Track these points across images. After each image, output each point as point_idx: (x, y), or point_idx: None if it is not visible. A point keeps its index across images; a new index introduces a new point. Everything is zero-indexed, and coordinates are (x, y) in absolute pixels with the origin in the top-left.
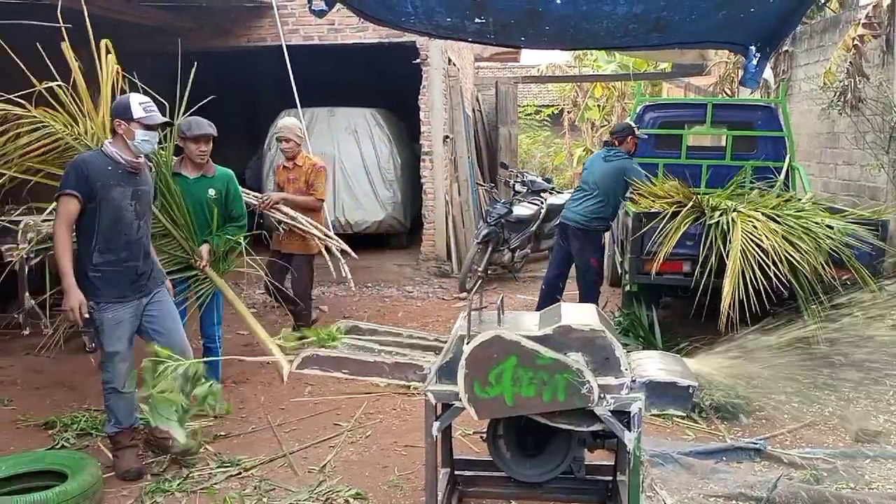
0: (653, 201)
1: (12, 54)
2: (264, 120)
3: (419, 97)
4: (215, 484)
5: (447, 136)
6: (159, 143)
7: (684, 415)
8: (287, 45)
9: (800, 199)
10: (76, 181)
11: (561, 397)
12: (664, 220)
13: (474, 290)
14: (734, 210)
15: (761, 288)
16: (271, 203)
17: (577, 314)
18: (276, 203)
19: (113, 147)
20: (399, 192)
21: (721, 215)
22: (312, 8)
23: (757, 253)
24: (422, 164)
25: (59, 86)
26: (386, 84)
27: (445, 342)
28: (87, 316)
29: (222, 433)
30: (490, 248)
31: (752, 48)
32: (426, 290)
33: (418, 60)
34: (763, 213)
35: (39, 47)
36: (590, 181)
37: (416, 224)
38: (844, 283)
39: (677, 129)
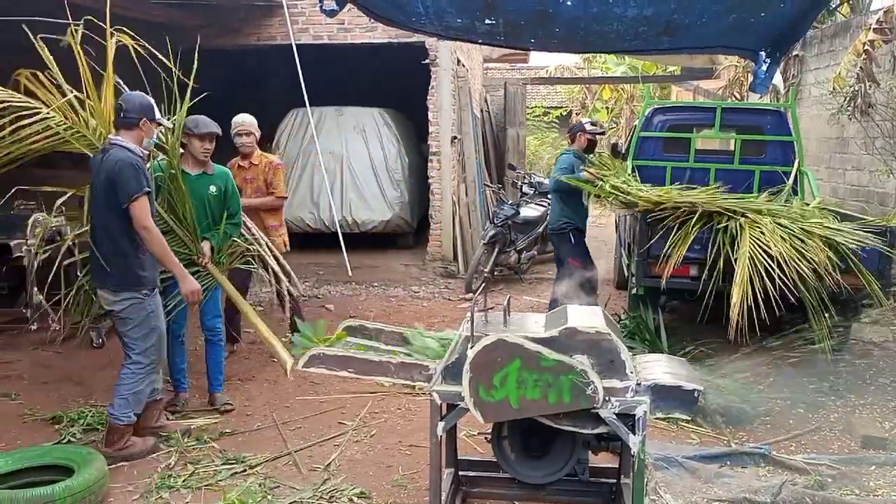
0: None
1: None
2: (273, 119)
3: (428, 97)
4: (220, 481)
5: (455, 137)
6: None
7: (689, 418)
8: (297, 45)
9: (808, 205)
10: (145, 180)
11: (566, 399)
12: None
13: (480, 290)
14: (742, 215)
15: (769, 295)
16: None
17: (583, 316)
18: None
19: (130, 143)
20: (406, 192)
21: (729, 220)
22: (323, 7)
23: (765, 259)
24: (429, 164)
25: (38, 73)
26: (395, 84)
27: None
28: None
29: (228, 430)
30: (497, 250)
31: (762, 53)
32: (432, 290)
33: (427, 61)
34: (771, 219)
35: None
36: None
37: (423, 224)
38: (852, 289)
39: (686, 133)
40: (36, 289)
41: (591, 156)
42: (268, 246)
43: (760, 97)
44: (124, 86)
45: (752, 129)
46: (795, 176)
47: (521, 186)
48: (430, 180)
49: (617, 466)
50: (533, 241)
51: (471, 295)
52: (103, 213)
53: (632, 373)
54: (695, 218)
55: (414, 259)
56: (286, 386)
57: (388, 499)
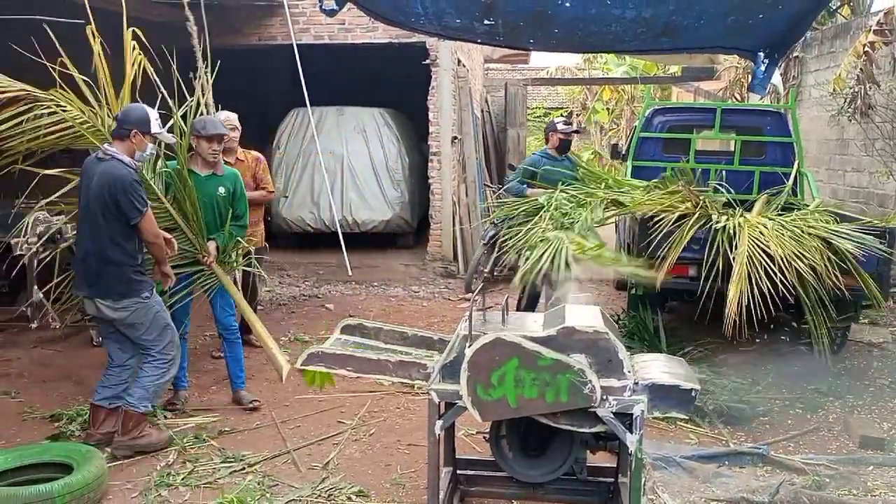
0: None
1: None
2: (273, 119)
3: (428, 98)
4: (219, 479)
5: (455, 137)
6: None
7: (687, 418)
8: (297, 44)
9: (807, 205)
10: (146, 195)
11: (564, 398)
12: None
13: (479, 290)
14: (741, 215)
15: (767, 294)
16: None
17: (582, 316)
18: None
19: (124, 155)
20: (407, 192)
21: (728, 220)
22: (323, 7)
23: (763, 259)
24: (430, 164)
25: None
26: (395, 84)
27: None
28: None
29: (227, 429)
30: (497, 250)
31: (761, 54)
32: (432, 290)
33: (428, 61)
34: (770, 219)
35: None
36: None
37: (423, 224)
38: (851, 290)
39: (686, 134)
40: (36, 287)
41: (563, 157)
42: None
43: (760, 98)
44: (161, 87)
45: (752, 130)
46: (795, 177)
47: None
48: (430, 180)
49: (615, 465)
50: None
51: (470, 295)
52: (97, 223)
53: (629, 372)
54: (693, 219)
55: (414, 259)
56: (285, 385)
57: (386, 497)
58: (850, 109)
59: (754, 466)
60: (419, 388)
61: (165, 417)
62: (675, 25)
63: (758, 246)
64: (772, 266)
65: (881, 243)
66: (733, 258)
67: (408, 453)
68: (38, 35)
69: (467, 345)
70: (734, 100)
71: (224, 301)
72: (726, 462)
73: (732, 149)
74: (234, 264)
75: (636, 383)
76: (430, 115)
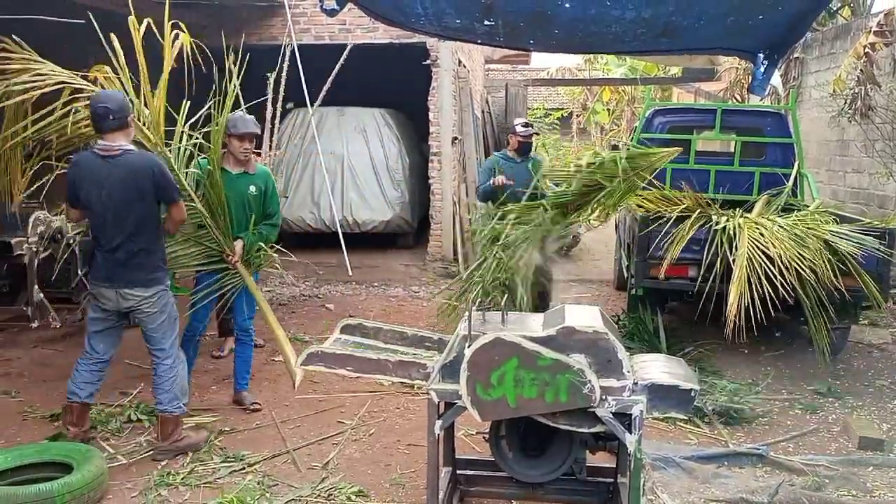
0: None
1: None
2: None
3: (429, 98)
4: (219, 478)
5: (456, 138)
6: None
7: (686, 418)
8: (298, 45)
9: (807, 206)
10: None
11: (563, 398)
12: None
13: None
14: (741, 216)
15: (767, 295)
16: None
17: (581, 316)
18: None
19: (128, 143)
20: (407, 192)
21: (728, 221)
22: (324, 7)
23: (763, 260)
24: (430, 164)
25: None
26: (396, 84)
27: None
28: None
29: (227, 429)
30: None
31: (761, 55)
32: (432, 290)
33: (429, 61)
34: (770, 220)
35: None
36: None
37: (424, 224)
38: (851, 291)
39: (686, 134)
40: (37, 287)
41: (522, 159)
42: None
43: (760, 99)
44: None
45: (752, 130)
46: (795, 178)
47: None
48: (430, 180)
49: (614, 466)
50: None
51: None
52: (131, 214)
53: (629, 372)
54: (692, 219)
55: (414, 259)
56: (285, 384)
57: (386, 497)
58: (850, 110)
59: (754, 467)
60: (419, 388)
61: None
62: (674, 26)
63: (758, 247)
64: (772, 267)
65: (881, 244)
66: (733, 259)
67: (407, 453)
68: (37, 34)
69: (467, 345)
70: (734, 101)
71: (245, 304)
72: (725, 462)
73: (733, 150)
74: (259, 265)
75: (635, 383)
76: (431, 115)
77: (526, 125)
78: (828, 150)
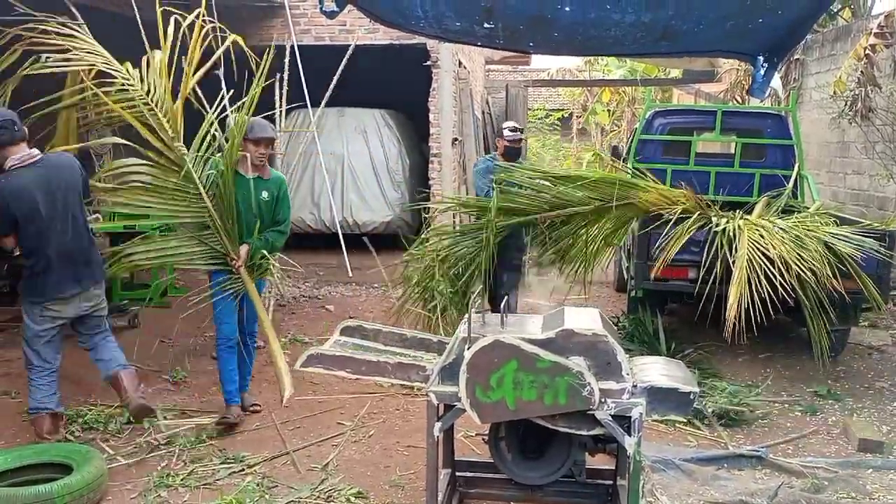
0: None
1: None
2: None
3: (429, 99)
4: (218, 480)
5: (456, 139)
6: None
7: (686, 420)
8: (298, 45)
9: (807, 208)
10: None
11: (562, 400)
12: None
13: (478, 292)
14: (741, 217)
15: (767, 297)
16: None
17: (580, 318)
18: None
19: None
20: (407, 193)
21: (728, 222)
22: (323, 9)
23: (763, 262)
24: (430, 165)
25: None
26: (396, 85)
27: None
28: None
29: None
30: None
31: (760, 58)
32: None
33: (429, 62)
34: (770, 222)
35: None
36: None
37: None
38: (851, 293)
39: (686, 136)
40: None
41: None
42: None
43: (761, 101)
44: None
45: (752, 132)
46: (795, 180)
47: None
48: (430, 181)
49: (613, 468)
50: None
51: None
52: (78, 211)
53: (628, 374)
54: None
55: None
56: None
57: (385, 499)
58: (850, 112)
59: (753, 469)
60: (418, 390)
61: (165, 418)
62: (674, 30)
63: (758, 248)
64: (771, 269)
65: (881, 246)
66: (733, 261)
67: (407, 455)
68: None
69: (466, 347)
70: (735, 102)
71: (253, 309)
72: (725, 465)
73: (733, 151)
74: (263, 272)
75: (635, 386)
76: (431, 116)
77: (514, 129)
78: (828, 152)
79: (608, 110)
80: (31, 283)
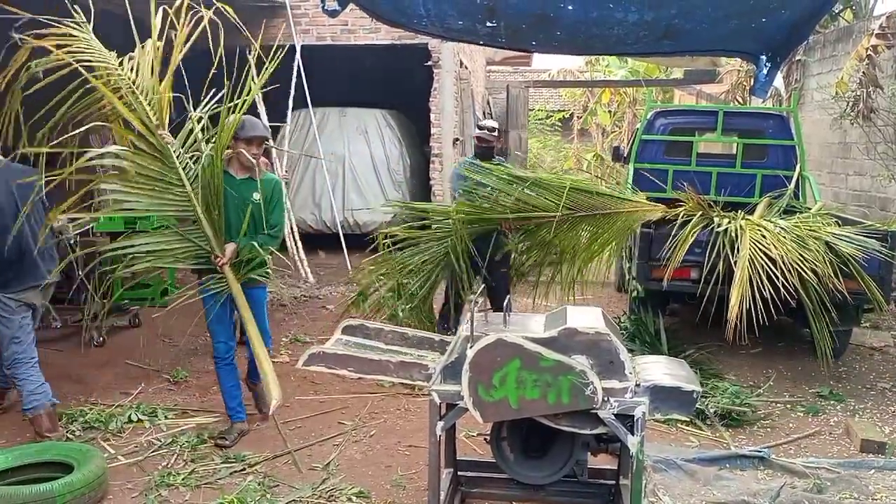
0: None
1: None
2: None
3: (430, 99)
4: (219, 479)
5: (457, 139)
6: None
7: (688, 420)
8: (300, 45)
9: (809, 209)
10: None
11: (565, 399)
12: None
13: (480, 291)
14: (743, 218)
15: (769, 297)
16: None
17: (583, 317)
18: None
19: None
20: (408, 193)
21: (729, 223)
22: (325, 8)
23: (765, 263)
24: (431, 165)
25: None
26: (397, 85)
27: (450, 342)
28: None
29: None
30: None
31: (763, 58)
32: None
33: (430, 62)
34: (772, 222)
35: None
36: None
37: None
38: (853, 294)
39: (688, 136)
40: None
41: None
42: None
43: (762, 101)
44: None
45: (754, 133)
46: (797, 180)
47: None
48: (431, 181)
49: (616, 468)
50: None
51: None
52: (15, 218)
53: (631, 374)
54: (693, 221)
55: None
56: (287, 385)
57: (386, 498)
58: (852, 113)
59: (755, 469)
60: (419, 390)
61: (166, 417)
62: (676, 29)
63: (759, 249)
64: (773, 269)
65: (883, 247)
66: (735, 261)
67: (408, 454)
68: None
69: (469, 346)
70: (736, 103)
71: (259, 316)
72: (727, 465)
73: (734, 152)
74: (251, 273)
75: (638, 385)
76: (432, 116)
77: (480, 127)
78: (830, 153)
79: (609, 111)
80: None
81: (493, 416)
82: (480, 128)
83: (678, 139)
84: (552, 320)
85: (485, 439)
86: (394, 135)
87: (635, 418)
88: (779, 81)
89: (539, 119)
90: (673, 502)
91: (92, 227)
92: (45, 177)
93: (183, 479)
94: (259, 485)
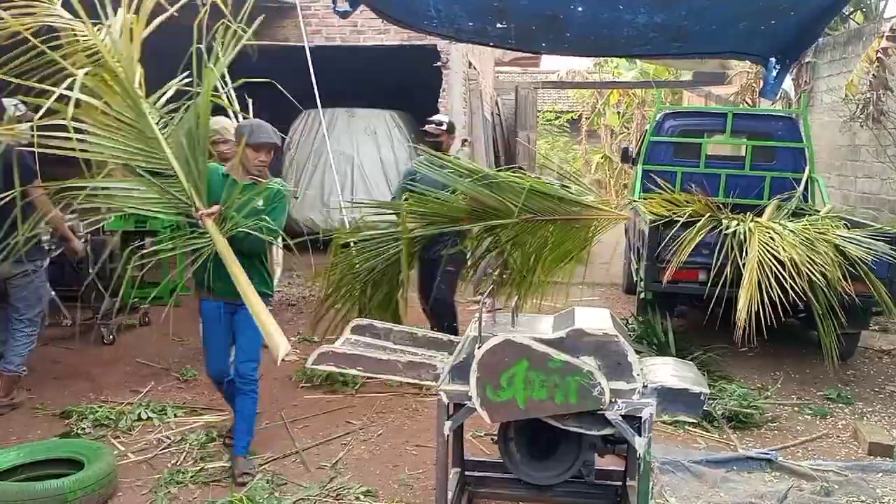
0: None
1: None
2: (284, 119)
3: (439, 100)
4: (228, 477)
5: (465, 140)
6: None
7: (696, 422)
8: (310, 46)
9: (818, 211)
10: None
11: (572, 400)
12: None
13: (488, 292)
14: (751, 220)
15: (777, 299)
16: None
17: (591, 318)
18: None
19: None
20: None
21: (738, 225)
22: (337, 8)
23: (773, 265)
24: None
25: None
26: (406, 86)
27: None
28: None
29: None
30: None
31: (773, 60)
32: None
33: (439, 64)
34: (781, 225)
35: None
36: None
37: None
38: (862, 297)
39: (697, 138)
40: (48, 284)
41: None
42: None
43: (771, 103)
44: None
45: (763, 135)
46: (806, 183)
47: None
48: None
49: (623, 469)
50: None
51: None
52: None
53: (638, 375)
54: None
55: None
56: (295, 384)
57: (394, 498)
58: (862, 115)
59: (762, 472)
60: (427, 389)
61: (176, 415)
62: (686, 31)
63: (768, 251)
64: (782, 272)
65: (892, 250)
66: (743, 263)
67: (416, 454)
68: None
69: (477, 346)
70: (745, 104)
71: (247, 343)
72: (734, 467)
73: (743, 154)
74: (236, 230)
75: (645, 386)
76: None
77: (430, 122)
78: (839, 155)
79: (618, 112)
80: None
81: (500, 416)
82: (429, 122)
83: (687, 141)
84: (560, 321)
85: (492, 439)
86: (402, 135)
87: (642, 420)
88: (788, 84)
89: (548, 120)
90: None
91: (103, 226)
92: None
93: (192, 477)
94: (267, 483)
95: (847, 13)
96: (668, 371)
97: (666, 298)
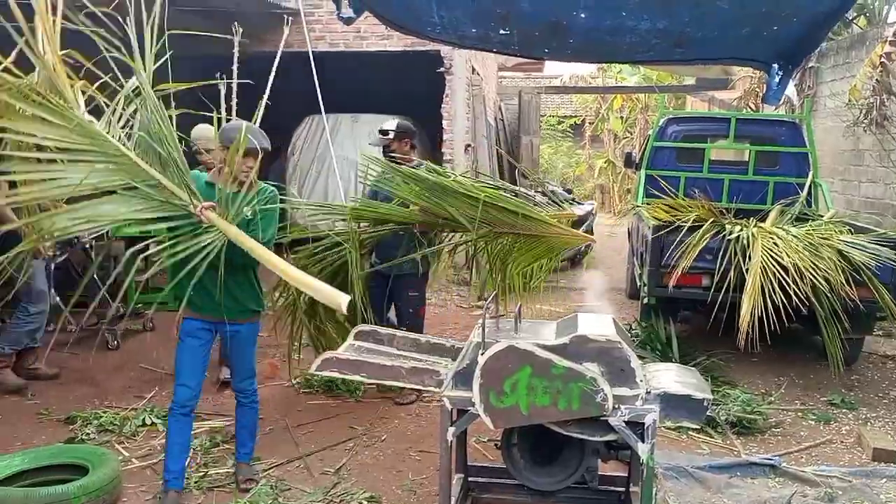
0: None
1: None
2: (287, 124)
3: (442, 106)
4: (232, 482)
5: (469, 145)
6: None
7: (699, 428)
8: (313, 52)
9: (821, 216)
10: None
11: (575, 406)
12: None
13: (492, 298)
14: (755, 225)
15: (780, 305)
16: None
17: (594, 325)
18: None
19: None
20: None
21: (741, 230)
22: (341, 14)
23: (777, 270)
24: None
25: None
26: (409, 92)
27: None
28: None
29: None
30: None
31: (775, 66)
32: (444, 297)
33: (442, 69)
34: (784, 230)
35: None
36: None
37: None
38: (865, 302)
39: (700, 143)
40: (53, 290)
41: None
42: None
43: (774, 108)
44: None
45: (766, 140)
46: (809, 188)
47: (535, 195)
48: None
49: (626, 475)
50: None
51: (483, 302)
52: None
53: (641, 381)
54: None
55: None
56: (298, 390)
57: (397, 503)
58: (865, 120)
59: (766, 477)
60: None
61: None
62: (689, 37)
63: (771, 256)
64: (785, 277)
65: None
66: (746, 269)
67: (419, 460)
68: None
69: (480, 352)
70: (749, 110)
71: (242, 363)
72: (738, 473)
73: (747, 159)
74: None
75: (648, 392)
76: (444, 122)
77: (380, 130)
78: (842, 160)
79: (621, 117)
80: None
81: (503, 422)
82: (379, 132)
83: (690, 146)
84: (563, 327)
85: (495, 445)
86: None
87: (646, 425)
88: (791, 89)
89: (551, 125)
90: None
91: (108, 231)
92: None
93: (195, 483)
94: (271, 489)
95: (850, 18)
96: (672, 377)
97: (669, 304)
